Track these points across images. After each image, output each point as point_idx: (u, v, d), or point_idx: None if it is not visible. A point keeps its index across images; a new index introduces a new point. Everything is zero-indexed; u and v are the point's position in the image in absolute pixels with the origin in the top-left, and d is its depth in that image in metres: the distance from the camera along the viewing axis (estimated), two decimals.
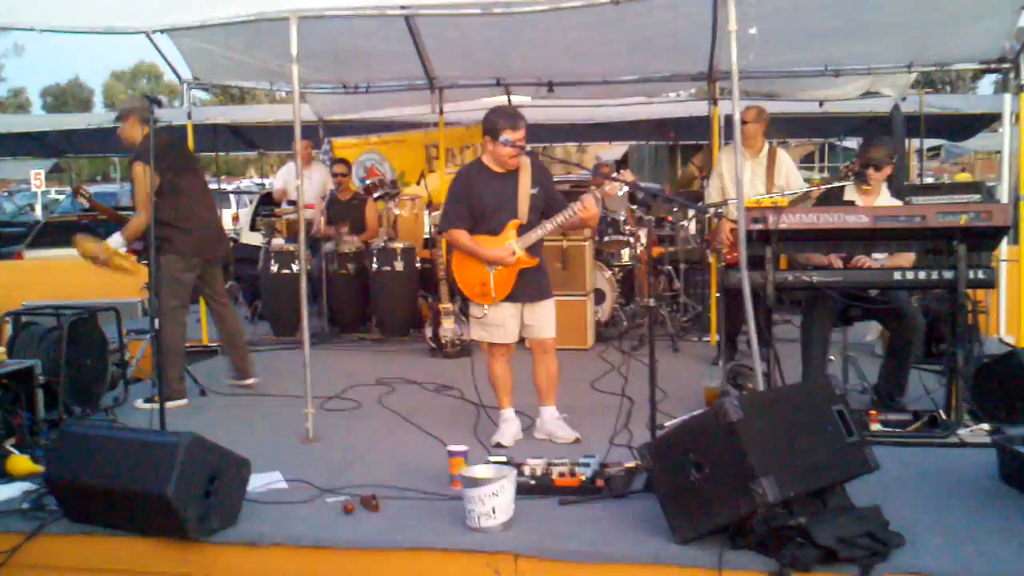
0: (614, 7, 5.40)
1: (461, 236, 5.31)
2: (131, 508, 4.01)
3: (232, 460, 4.20)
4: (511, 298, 5.33)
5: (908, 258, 5.62)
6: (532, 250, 5.30)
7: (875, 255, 5.64)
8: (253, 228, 12.76)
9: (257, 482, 4.50)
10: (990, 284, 5.36)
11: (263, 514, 4.24)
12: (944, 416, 5.30)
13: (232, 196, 21.15)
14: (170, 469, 3.84)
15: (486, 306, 5.34)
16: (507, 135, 5.14)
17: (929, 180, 18.08)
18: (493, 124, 5.20)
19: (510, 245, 5.24)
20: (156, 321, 5.29)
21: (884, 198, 5.97)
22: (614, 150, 23.16)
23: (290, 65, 5.58)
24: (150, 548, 4.07)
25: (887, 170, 5.89)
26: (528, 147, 5.28)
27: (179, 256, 6.41)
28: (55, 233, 14.02)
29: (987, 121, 14.54)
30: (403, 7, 5.78)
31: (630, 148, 23.50)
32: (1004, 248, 7.38)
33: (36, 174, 25.47)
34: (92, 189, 9.56)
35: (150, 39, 7.10)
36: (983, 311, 7.13)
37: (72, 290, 9.81)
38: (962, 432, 5.10)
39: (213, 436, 4.20)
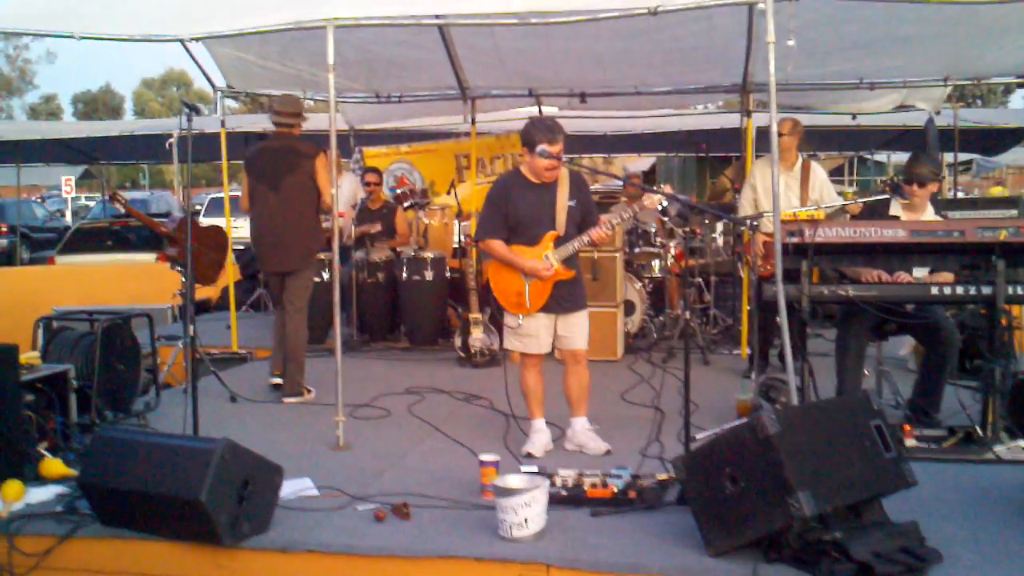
0: (648, 18, 5.39)
1: (498, 246, 5.31)
2: (164, 512, 4.02)
3: (265, 467, 4.20)
4: (546, 309, 5.31)
5: (948, 277, 5.56)
6: (568, 262, 5.29)
7: (916, 272, 5.58)
8: None
9: (289, 489, 4.51)
10: None
11: (295, 521, 4.24)
12: (980, 432, 5.25)
13: None
14: (204, 474, 3.85)
15: (521, 316, 5.33)
16: (544, 147, 5.12)
17: (961, 194, 17.95)
18: (531, 136, 5.18)
19: (547, 257, 5.23)
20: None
21: (929, 215, 5.93)
22: (641, 162, 23.14)
23: (324, 74, 5.60)
24: (182, 553, 4.08)
25: (932, 187, 5.83)
26: (565, 159, 5.27)
27: None
28: (87, 239, 14.17)
29: (1020, 135, 14.44)
30: (438, 16, 5.79)
31: (657, 160, 23.48)
32: None
33: (67, 180, 25.73)
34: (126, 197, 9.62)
35: (185, 47, 7.16)
36: (1019, 327, 7.05)
37: (103, 296, 9.88)
38: (998, 448, 5.05)
39: (244, 442, 4.20)
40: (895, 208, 5.94)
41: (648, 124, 13.59)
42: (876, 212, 6.04)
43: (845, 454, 3.79)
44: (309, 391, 6.81)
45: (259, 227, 6.84)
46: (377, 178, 9.84)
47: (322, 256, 8.69)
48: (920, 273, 5.59)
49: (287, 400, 6.73)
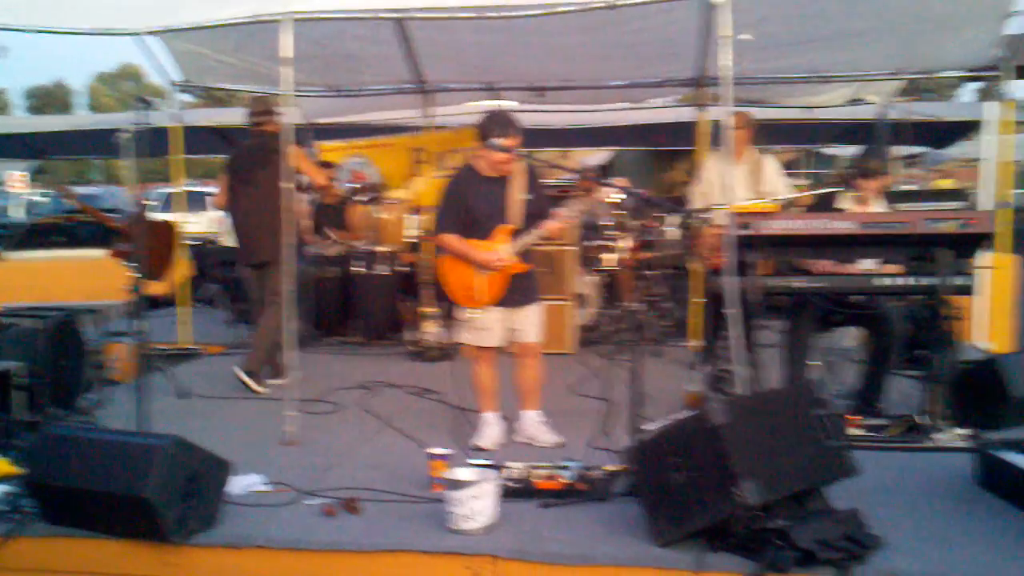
0: (606, 12, 5.41)
1: (453, 240, 5.30)
2: (110, 510, 3.99)
3: (212, 462, 4.18)
4: (499, 303, 5.33)
5: (897, 270, 5.64)
6: (523, 255, 5.31)
7: (865, 263, 5.65)
8: None
9: (237, 484, 4.49)
10: (970, 291, 5.39)
11: (243, 516, 4.23)
12: (922, 421, 5.33)
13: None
14: (149, 471, 3.83)
15: (475, 310, 5.33)
16: (499, 141, 5.13)
17: (912, 187, 18.16)
18: (486, 129, 5.18)
19: (502, 250, 5.24)
20: None
21: (878, 208, 6.00)
22: (597, 156, 23.17)
23: (281, 68, 5.57)
24: (129, 550, 4.05)
25: (880, 180, 5.92)
26: (520, 153, 5.28)
27: None
28: (38, 235, 13.99)
29: (967, 128, 14.62)
30: (395, 10, 5.77)
31: (614, 154, 23.55)
32: (985, 255, 7.41)
33: (10, 175, 25.33)
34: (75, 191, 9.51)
35: (140, 41, 7.08)
36: (963, 318, 7.15)
37: (54, 292, 9.75)
38: (940, 437, 5.15)
39: (193, 438, 4.18)
40: (844, 202, 6.01)
41: (605, 118, 13.62)
42: (825, 205, 6.11)
43: (789, 443, 3.84)
44: (261, 385, 6.80)
45: (237, 222, 7.07)
46: (332, 172, 9.79)
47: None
48: (869, 265, 5.66)
49: (235, 368, 6.88)
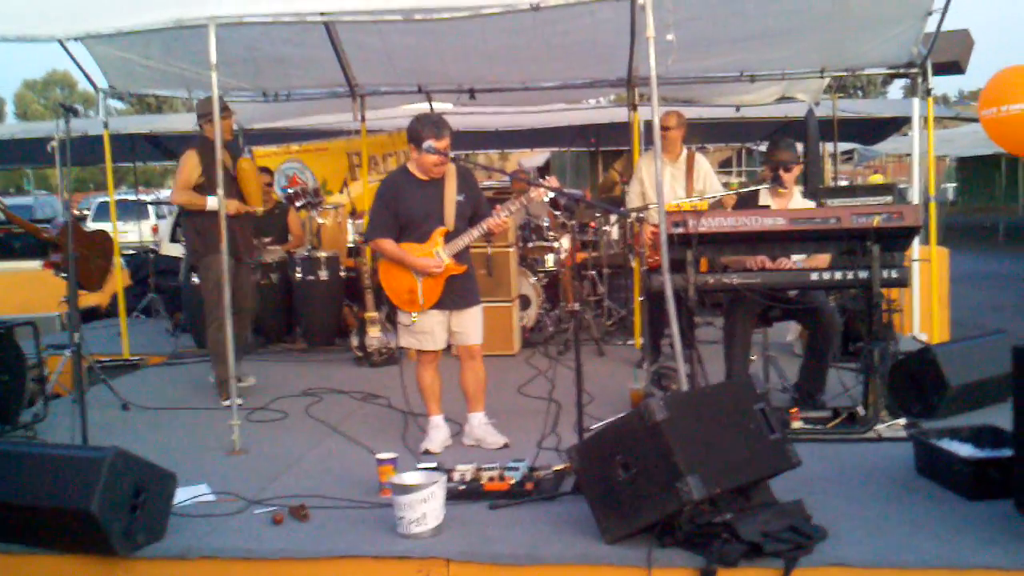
0: (534, 14, 5.44)
1: (388, 244, 5.31)
2: (54, 525, 3.94)
3: (157, 474, 4.15)
4: (439, 305, 5.34)
5: (824, 259, 5.75)
6: (459, 257, 5.33)
7: (795, 257, 5.77)
8: (174, 239, 12.57)
9: (183, 495, 4.46)
10: (903, 283, 5.51)
11: (190, 527, 4.20)
12: (862, 412, 5.44)
13: (151, 207, 20.80)
14: (94, 484, 3.78)
15: (414, 314, 5.34)
16: (431, 143, 5.15)
17: (843, 183, 18.48)
18: (417, 132, 5.20)
19: (438, 253, 5.25)
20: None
21: (797, 200, 6.11)
22: (536, 157, 23.28)
23: (208, 73, 5.53)
24: (75, 566, 4.01)
25: (796, 170, 6.04)
26: (451, 154, 5.30)
27: None
28: None
29: (897, 125, 14.94)
30: (323, 13, 5.74)
31: (552, 155, 23.66)
32: (916, 248, 7.60)
33: None
34: (6, 202, 9.34)
35: (64, 47, 6.98)
36: (897, 310, 7.32)
37: None
38: (879, 427, 5.25)
39: (137, 450, 4.14)
40: (764, 197, 6.11)
41: (541, 119, 13.68)
42: (747, 202, 6.22)
43: (731, 437, 3.90)
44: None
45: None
46: (269, 178, 9.73)
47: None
48: (799, 257, 5.77)
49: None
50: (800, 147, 11.31)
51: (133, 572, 3.97)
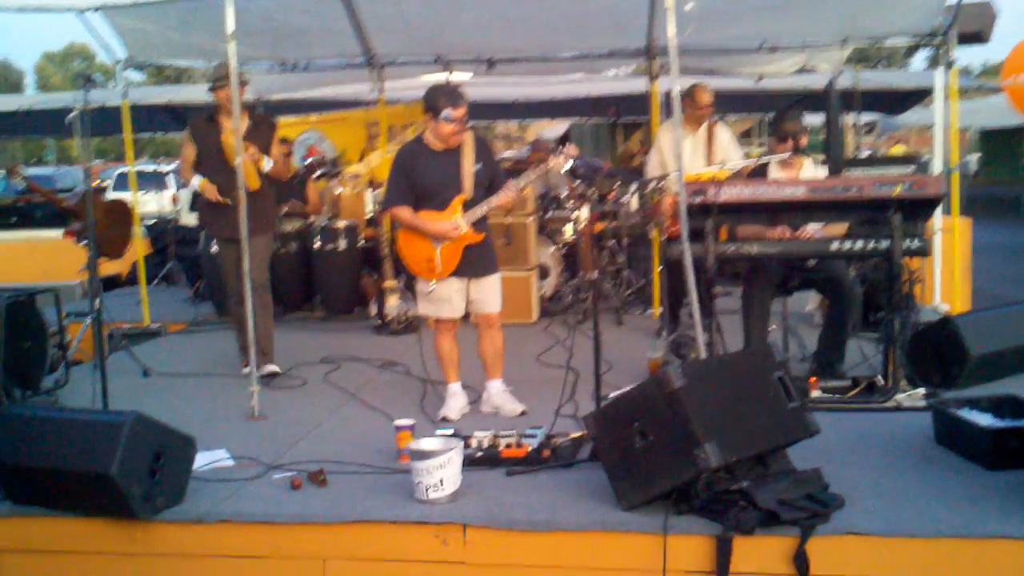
0: None
1: (404, 212, 5.31)
2: (76, 489, 3.98)
3: (177, 438, 4.17)
4: (457, 273, 5.34)
5: (841, 228, 5.71)
6: (478, 225, 5.32)
7: (812, 225, 5.73)
8: (193, 209, 12.62)
9: (203, 460, 4.49)
10: (924, 253, 5.48)
11: (209, 492, 4.22)
12: (882, 382, 5.42)
13: (170, 177, 20.87)
14: (114, 448, 3.81)
15: (433, 281, 5.35)
16: (448, 112, 5.14)
17: (866, 154, 18.36)
18: (434, 102, 5.20)
19: (455, 219, 5.25)
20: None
21: (808, 171, 6.07)
22: (556, 128, 23.20)
23: (226, 43, 5.52)
24: (95, 528, 4.04)
25: (803, 140, 6.00)
26: (469, 124, 5.29)
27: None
28: None
29: (920, 96, 14.82)
30: None
31: (571, 126, 23.60)
32: (939, 218, 7.55)
33: None
34: (28, 172, 9.38)
35: (83, 18, 6.98)
36: (919, 280, 7.28)
37: (10, 274, 9.66)
38: (899, 397, 5.22)
39: (158, 415, 4.17)
40: (774, 170, 6.07)
41: (560, 90, 13.63)
42: (760, 173, 6.18)
43: (749, 405, 3.89)
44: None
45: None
46: (288, 148, 9.73)
47: None
48: (814, 227, 5.74)
49: (262, 370, 6.26)
50: (817, 118, 11.27)
51: (152, 535, 4.01)
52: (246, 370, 6.07)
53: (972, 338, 5.40)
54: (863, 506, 3.77)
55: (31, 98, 26.14)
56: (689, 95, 7.01)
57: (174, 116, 14.65)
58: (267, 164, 6.39)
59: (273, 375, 6.44)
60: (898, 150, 23.38)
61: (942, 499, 3.86)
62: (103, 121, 11.59)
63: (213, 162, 6.35)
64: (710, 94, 7.21)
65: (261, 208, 6.30)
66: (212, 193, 6.39)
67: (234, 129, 5.76)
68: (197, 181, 6.41)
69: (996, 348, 5.48)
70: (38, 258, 11.08)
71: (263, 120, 6.65)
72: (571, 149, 5.21)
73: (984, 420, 4.39)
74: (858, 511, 3.72)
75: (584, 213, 9.00)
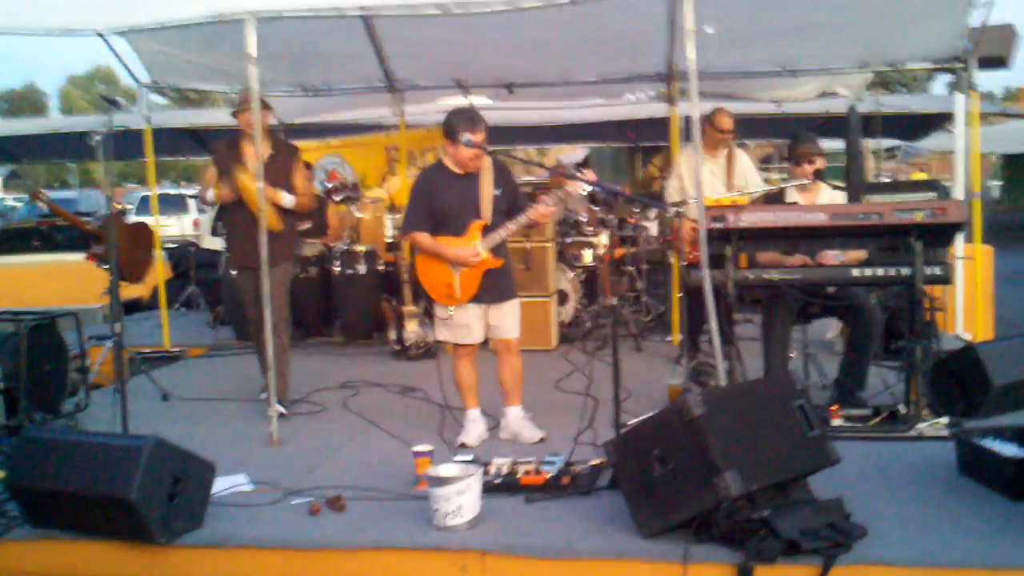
0: (571, 7, 5.42)
1: (423, 238, 5.32)
2: (95, 512, 3.99)
3: (196, 463, 4.18)
4: (476, 299, 5.34)
5: (859, 255, 5.68)
6: (496, 251, 5.32)
7: (830, 252, 5.70)
8: (214, 233, 12.68)
9: (222, 485, 4.50)
10: (946, 280, 5.43)
11: (228, 516, 4.23)
12: (904, 411, 5.37)
13: (192, 201, 20.99)
14: (133, 472, 3.83)
15: (451, 307, 5.35)
16: (467, 136, 5.16)
17: (886, 179, 18.29)
18: (453, 126, 5.22)
19: (474, 245, 5.25)
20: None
21: (825, 195, 6.05)
22: (575, 153, 23.23)
23: (247, 67, 5.56)
24: (114, 552, 4.06)
25: (820, 163, 5.99)
26: (489, 149, 5.30)
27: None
28: (13, 239, 13.89)
29: (941, 121, 14.72)
30: (361, 8, 5.76)
31: (591, 151, 23.63)
32: (960, 246, 7.50)
33: None
34: (50, 195, 9.44)
35: (105, 41, 7.05)
36: (940, 308, 7.22)
37: (31, 297, 9.71)
38: (921, 426, 5.18)
39: (177, 440, 4.18)
40: (791, 194, 6.05)
41: (579, 115, 13.63)
42: (775, 199, 6.17)
43: (770, 434, 3.87)
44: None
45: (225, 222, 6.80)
46: (310, 173, 9.78)
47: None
48: (833, 254, 5.71)
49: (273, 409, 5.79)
50: (837, 143, 11.23)
51: (171, 559, 4.01)
52: (264, 395, 6.04)
53: (995, 367, 5.33)
54: (886, 536, 3.74)
55: (54, 121, 26.38)
56: (709, 120, 7.00)
57: (196, 140, 14.75)
58: (286, 200, 6.30)
59: (280, 415, 5.99)
60: (918, 176, 23.30)
61: (966, 529, 3.82)
62: (125, 144, 11.66)
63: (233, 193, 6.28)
64: (731, 119, 7.20)
65: (279, 238, 6.16)
66: (227, 194, 6.27)
67: (257, 154, 5.77)
68: (211, 193, 6.36)
69: (1019, 377, 5.40)
70: (60, 281, 11.13)
71: (284, 147, 6.56)
72: (588, 174, 5.21)
73: (1008, 450, 4.34)
74: (881, 541, 3.69)
75: (604, 239, 9.00)
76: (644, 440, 3.90)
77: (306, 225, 9.03)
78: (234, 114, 6.46)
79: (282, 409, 5.99)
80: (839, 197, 6.06)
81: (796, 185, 6.03)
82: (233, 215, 6.37)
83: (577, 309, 8.86)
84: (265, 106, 6.19)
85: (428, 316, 7.77)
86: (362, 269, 8.78)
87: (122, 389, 5.28)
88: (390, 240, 9.39)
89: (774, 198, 6.18)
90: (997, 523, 3.86)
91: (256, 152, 5.76)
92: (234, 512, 4.28)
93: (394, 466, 4.87)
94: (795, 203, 5.91)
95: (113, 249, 5.55)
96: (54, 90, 63.89)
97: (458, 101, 9.49)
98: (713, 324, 5.13)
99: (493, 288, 5.36)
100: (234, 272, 6.71)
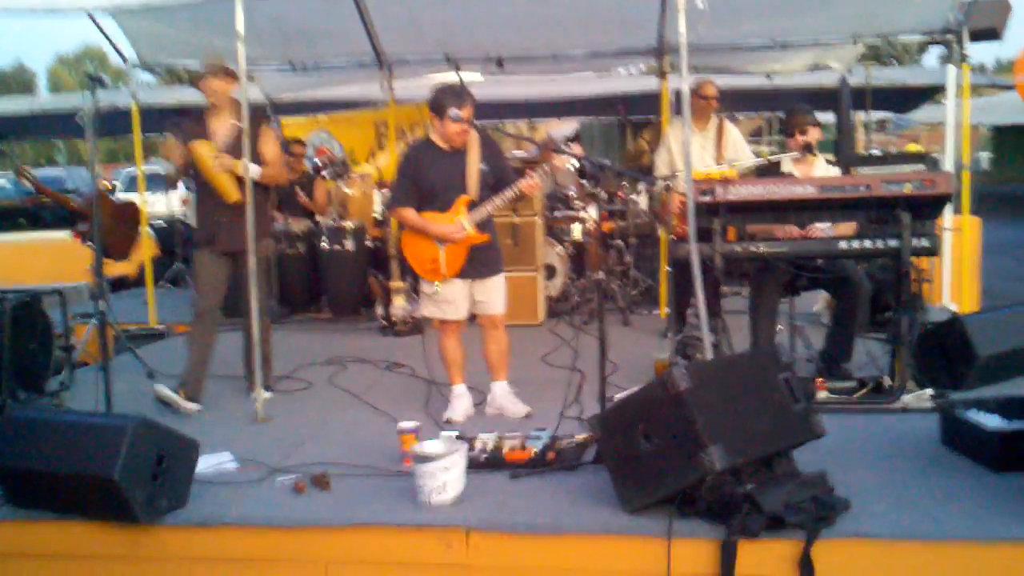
0: None
1: (409, 214, 5.29)
2: (78, 492, 3.96)
3: (180, 441, 4.15)
4: (462, 274, 5.33)
5: (850, 226, 5.67)
6: (482, 226, 5.30)
7: (819, 224, 5.69)
8: None
9: (206, 463, 4.47)
10: (934, 252, 5.41)
11: (213, 495, 4.21)
12: (888, 383, 5.37)
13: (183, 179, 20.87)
14: (117, 452, 3.79)
15: (437, 283, 5.33)
16: (454, 111, 5.13)
17: (876, 152, 18.26)
18: (440, 101, 5.19)
19: (459, 221, 5.22)
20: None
21: (820, 167, 6.03)
22: (565, 127, 23.17)
23: (236, 44, 5.50)
24: (98, 532, 4.03)
25: (813, 132, 5.97)
26: (478, 124, 5.27)
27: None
28: (1, 218, 13.84)
29: (931, 93, 14.74)
30: None
31: (581, 125, 23.56)
32: (948, 217, 7.48)
33: None
34: (37, 173, 9.40)
35: (93, 20, 6.98)
36: (927, 279, 7.22)
37: (16, 275, 9.65)
38: (906, 398, 5.18)
39: (162, 417, 4.17)
40: (786, 165, 6.03)
41: (570, 89, 13.58)
42: (769, 173, 6.15)
43: (755, 407, 3.85)
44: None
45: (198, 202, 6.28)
46: (303, 149, 9.77)
47: None
48: (823, 226, 5.69)
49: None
50: (828, 116, 11.20)
51: (155, 539, 3.99)
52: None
53: (980, 338, 5.33)
54: (869, 509, 3.73)
55: (42, 99, 26.21)
56: (694, 89, 6.98)
57: (185, 117, 14.65)
58: (253, 171, 5.72)
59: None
60: (913, 148, 23.28)
61: (950, 502, 3.82)
62: (114, 122, 11.61)
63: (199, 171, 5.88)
64: (715, 87, 7.17)
65: (240, 214, 5.61)
66: (178, 160, 5.91)
67: (237, 124, 5.67)
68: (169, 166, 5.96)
69: (1005, 348, 5.40)
70: (46, 259, 11.08)
71: (250, 115, 5.81)
72: (575, 148, 5.18)
73: (992, 422, 4.34)
74: (864, 514, 3.69)
75: (592, 213, 8.97)
76: (629, 415, 3.88)
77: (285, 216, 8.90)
78: (194, 81, 6.12)
79: (267, 394, 5.89)
80: (835, 171, 6.04)
81: (792, 157, 6.01)
82: (200, 193, 6.05)
83: (565, 283, 8.84)
84: (230, 75, 5.90)
85: (415, 292, 7.75)
86: (350, 245, 8.76)
87: (106, 367, 5.25)
88: (378, 216, 9.35)
89: (770, 170, 6.16)
90: (981, 496, 3.86)
91: (244, 130, 5.59)
92: (219, 490, 4.26)
93: (380, 443, 4.85)
94: (790, 175, 5.89)
95: (97, 227, 5.51)
96: (43, 69, 63.44)
97: (448, 77, 9.43)
98: (700, 297, 5.11)
99: (479, 263, 5.34)
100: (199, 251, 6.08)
